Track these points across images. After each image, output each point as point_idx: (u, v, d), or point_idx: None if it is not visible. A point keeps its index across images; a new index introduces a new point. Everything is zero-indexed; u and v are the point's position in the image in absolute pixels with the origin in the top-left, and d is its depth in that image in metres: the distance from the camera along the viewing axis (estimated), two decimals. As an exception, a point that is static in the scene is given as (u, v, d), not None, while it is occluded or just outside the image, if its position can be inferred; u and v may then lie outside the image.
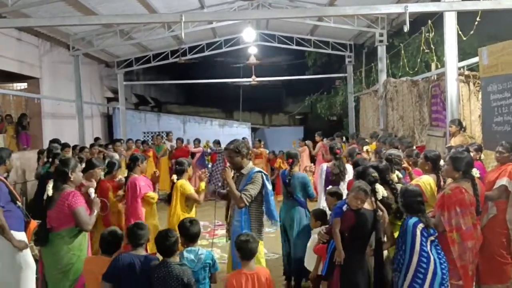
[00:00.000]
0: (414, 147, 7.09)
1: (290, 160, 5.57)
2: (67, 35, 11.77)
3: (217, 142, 12.30)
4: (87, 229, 3.99)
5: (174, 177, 5.64)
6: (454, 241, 3.91)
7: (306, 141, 12.43)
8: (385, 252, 4.16)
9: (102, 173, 5.80)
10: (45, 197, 4.11)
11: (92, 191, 4.43)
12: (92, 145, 9.29)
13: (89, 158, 6.99)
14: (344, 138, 12.02)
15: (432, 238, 3.84)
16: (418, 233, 3.77)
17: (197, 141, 12.68)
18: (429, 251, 3.78)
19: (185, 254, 3.75)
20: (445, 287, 3.81)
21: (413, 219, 3.83)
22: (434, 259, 3.77)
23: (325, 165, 6.34)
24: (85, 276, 3.81)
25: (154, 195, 5.71)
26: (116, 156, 10.14)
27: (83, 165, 5.58)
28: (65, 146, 8.26)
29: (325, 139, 11.82)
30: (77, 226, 4.00)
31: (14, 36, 10.32)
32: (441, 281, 3.78)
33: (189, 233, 3.80)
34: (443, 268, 3.80)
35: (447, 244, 3.94)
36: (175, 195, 5.53)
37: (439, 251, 3.86)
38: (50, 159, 7.22)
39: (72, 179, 4.10)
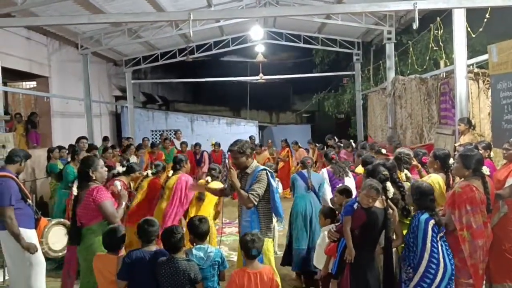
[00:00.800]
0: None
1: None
2: (75, 34, 11.83)
3: (218, 145, 12.29)
4: (114, 222, 4.03)
5: (170, 173, 5.85)
6: (464, 239, 3.89)
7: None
8: (394, 250, 4.15)
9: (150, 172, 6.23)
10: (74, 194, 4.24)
11: (118, 184, 4.49)
12: (105, 149, 9.23)
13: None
14: (336, 139, 11.38)
15: (441, 234, 3.86)
16: (430, 229, 3.79)
17: (198, 146, 12.27)
18: (439, 247, 3.80)
19: (194, 251, 3.76)
20: (452, 281, 3.84)
21: (425, 215, 3.85)
22: (444, 255, 3.80)
23: (325, 169, 6.55)
24: (95, 272, 3.84)
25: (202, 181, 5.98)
26: (135, 159, 10.13)
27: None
28: (91, 148, 8.46)
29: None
30: (105, 220, 4.06)
31: (23, 35, 10.40)
32: (450, 276, 3.80)
33: (198, 231, 3.83)
34: (452, 264, 3.82)
35: (457, 243, 3.92)
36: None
37: (447, 247, 3.89)
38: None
39: (94, 177, 4.14)
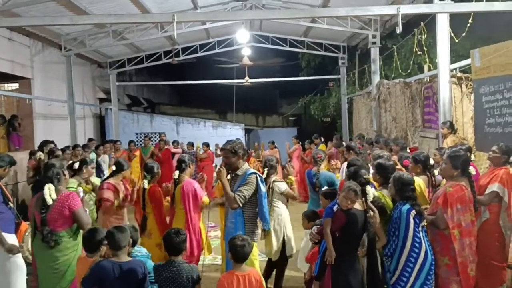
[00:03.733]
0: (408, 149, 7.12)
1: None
2: (58, 35, 11.69)
3: (207, 145, 12.23)
4: (86, 229, 3.95)
5: (145, 182, 5.42)
6: (455, 237, 3.96)
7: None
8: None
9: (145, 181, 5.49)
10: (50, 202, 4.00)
11: (80, 190, 4.39)
12: (74, 147, 9.10)
13: (71, 160, 6.92)
14: (322, 139, 12.03)
15: (422, 224, 3.96)
16: (411, 219, 3.88)
17: (176, 143, 12.65)
18: (421, 237, 3.89)
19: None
20: (433, 272, 3.92)
21: (406, 206, 3.94)
22: (426, 245, 3.90)
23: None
24: (78, 274, 3.80)
25: (207, 200, 5.40)
26: (107, 158, 10.09)
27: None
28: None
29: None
30: (78, 227, 4.00)
31: (5, 36, 10.23)
32: (430, 267, 3.89)
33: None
34: (432, 254, 3.92)
35: (448, 241, 3.98)
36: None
37: (427, 238, 3.99)
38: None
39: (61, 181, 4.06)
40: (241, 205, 4.21)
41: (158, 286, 3.56)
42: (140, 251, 4.01)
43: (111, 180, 5.50)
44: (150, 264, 3.83)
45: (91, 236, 3.75)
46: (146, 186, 5.35)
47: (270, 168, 5.50)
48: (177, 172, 5.38)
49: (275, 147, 12.28)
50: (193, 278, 3.50)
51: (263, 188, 4.34)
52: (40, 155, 7.74)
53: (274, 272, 5.55)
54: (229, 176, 4.44)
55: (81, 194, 4.47)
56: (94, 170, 6.16)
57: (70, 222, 3.98)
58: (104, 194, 5.30)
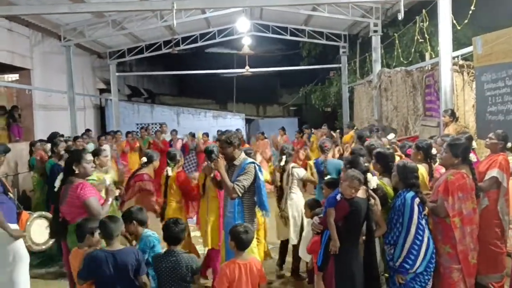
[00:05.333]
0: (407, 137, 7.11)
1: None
2: (58, 25, 11.61)
3: (207, 135, 12.21)
4: (99, 218, 3.94)
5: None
6: (456, 226, 3.95)
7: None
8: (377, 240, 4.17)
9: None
10: (56, 189, 4.12)
11: (107, 177, 4.36)
12: (76, 138, 9.15)
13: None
14: (312, 130, 12.35)
15: (425, 212, 3.98)
16: (416, 206, 3.88)
17: (174, 132, 12.65)
18: (424, 225, 3.90)
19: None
20: (434, 260, 3.93)
21: (410, 193, 3.92)
22: (428, 233, 3.92)
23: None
24: (72, 267, 3.81)
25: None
26: (108, 148, 10.05)
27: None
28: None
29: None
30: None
31: (5, 27, 10.17)
32: (432, 254, 3.90)
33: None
34: (433, 243, 3.94)
35: (449, 230, 3.97)
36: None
37: (428, 226, 4.00)
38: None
39: (77, 171, 4.05)
40: (240, 195, 4.22)
41: (157, 276, 3.55)
42: (153, 233, 3.99)
43: (146, 171, 5.47)
44: (159, 248, 3.86)
45: (82, 224, 3.74)
46: (170, 173, 5.40)
47: (288, 156, 5.60)
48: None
49: (265, 138, 12.26)
50: (192, 268, 3.51)
51: (261, 177, 4.36)
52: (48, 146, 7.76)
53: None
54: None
55: (107, 182, 4.52)
56: (108, 159, 6.15)
57: (83, 212, 3.95)
58: (147, 186, 5.30)
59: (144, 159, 5.54)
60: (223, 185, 4.37)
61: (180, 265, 3.47)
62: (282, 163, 5.52)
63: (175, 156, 5.58)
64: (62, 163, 6.44)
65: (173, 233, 3.58)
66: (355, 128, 10.32)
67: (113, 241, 3.50)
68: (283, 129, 12.49)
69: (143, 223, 4.00)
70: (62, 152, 6.87)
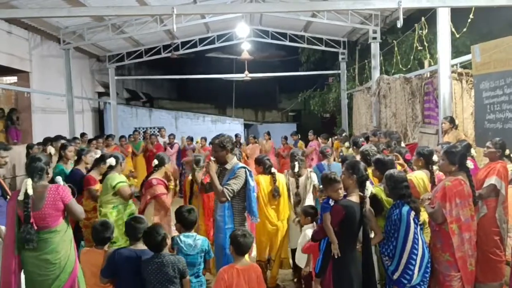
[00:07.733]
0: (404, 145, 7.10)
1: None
2: (57, 28, 11.61)
3: (205, 140, 12.16)
4: (82, 219, 4.04)
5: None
6: (454, 232, 3.95)
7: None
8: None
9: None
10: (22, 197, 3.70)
11: (60, 179, 4.15)
12: (69, 141, 9.05)
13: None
14: (299, 135, 12.70)
15: (420, 223, 3.99)
16: (412, 221, 3.86)
17: (172, 136, 12.38)
18: (419, 235, 3.90)
19: (182, 238, 3.82)
20: (429, 269, 3.94)
21: (405, 208, 3.90)
22: (422, 242, 3.90)
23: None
24: (82, 267, 3.85)
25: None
26: (99, 153, 9.96)
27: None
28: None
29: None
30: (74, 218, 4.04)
31: (4, 29, 10.16)
32: (426, 264, 3.90)
33: (187, 221, 3.89)
34: (428, 252, 3.95)
35: (448, 237, 3.96)
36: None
37: (422, 232, 4.01)
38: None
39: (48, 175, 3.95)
40: (229, 199, 4.22)
41: (145, 280, 3.50)
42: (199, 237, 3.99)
43: (157, 175, 5.38)
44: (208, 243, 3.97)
45: (102, 229, 3.90)
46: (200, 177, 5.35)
47: (301, 162, 5.58)
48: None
49: (256, 142, 12.24)
50: (179, 269, 3.48)
51: (252, 182, 4.35)
52: (51, 149, 7.71)
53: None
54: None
55: (133, 189, 4.84)
56: (92, 160, 6.16)
57: (63, 215, 3.88)
58: (158, 190, 5.20)
59: (156, 162, 5.46)
60: (213, 188, 4.37)
61: (166, 265, 3.43)
62: (296, 170, 5.49)
63: (199, 161, 5.49)
64: (70, 167, 6.43)
65: (153, 242, 3.51)
66: (344, 134, 10.96)
67: (138, 241, 3.63)
68: (268, 133, 12.52)
69: (193, 225, 4.03)
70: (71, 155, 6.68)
